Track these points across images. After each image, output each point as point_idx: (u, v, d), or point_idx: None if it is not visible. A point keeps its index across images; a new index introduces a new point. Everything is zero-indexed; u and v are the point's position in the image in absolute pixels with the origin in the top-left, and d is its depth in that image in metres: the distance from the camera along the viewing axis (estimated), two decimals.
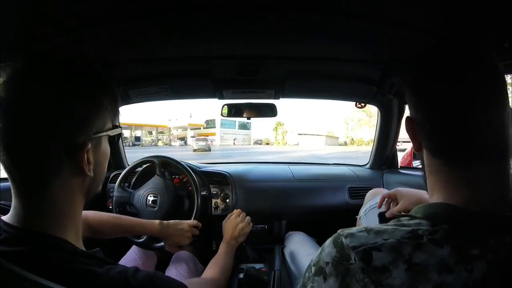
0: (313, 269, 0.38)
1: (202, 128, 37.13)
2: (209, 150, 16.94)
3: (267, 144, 39.24)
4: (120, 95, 1.15)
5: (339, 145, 36.69)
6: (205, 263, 1.09)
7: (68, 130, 0.37)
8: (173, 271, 0.94)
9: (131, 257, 1.01)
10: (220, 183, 1.31)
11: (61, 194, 0.38)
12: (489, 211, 0.33)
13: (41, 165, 0.36)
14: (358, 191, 1.34)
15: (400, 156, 1.51)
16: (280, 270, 0.97)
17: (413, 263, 0.31)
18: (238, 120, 37.96)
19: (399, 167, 1.48)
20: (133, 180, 1.23)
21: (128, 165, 1.17)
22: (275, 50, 0.88)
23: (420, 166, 0.44)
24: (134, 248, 1.05)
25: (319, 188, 1.37)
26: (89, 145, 0.38)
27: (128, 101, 1.21)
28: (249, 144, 37.33)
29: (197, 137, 20.61)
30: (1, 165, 0.37)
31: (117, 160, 1.42)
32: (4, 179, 0.98)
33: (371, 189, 1.05)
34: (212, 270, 0.78)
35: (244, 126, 40.24)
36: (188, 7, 0.60)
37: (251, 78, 1.06)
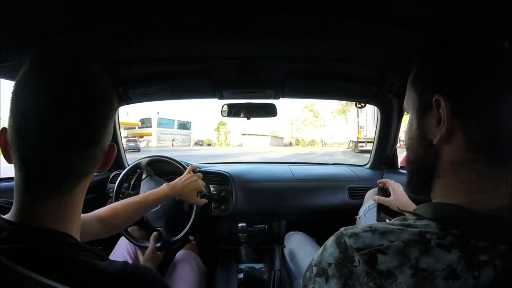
0: (314, 269, 0.37)
1: (137, 127, 33.60)
2: (139, 150, 17.63)
3: (209, 145, 37.25)
4: (120, 95, 1.15)
5: (284, 145, 35.04)
6: (207, 263, 1.10)
7: (106, 134, 0.40)
8: (176, 271, 0.94)
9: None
10: (220, 183, 1.30)
11: (81, 191, 0.40)
12: (502, 217, 0.32)
13: (79, 168, 0.38)
14: (358, 191, 1.34)
15: (400, 156, 1.51)
16: (280, 270, 0.97)
17: (420, 268, 0.30)
18: (177, 119, 35.32)
19: (399, 167, 1.49)
20: (133, 180, 1.22)
21: (128, 165, 1.17)
22: (275, 50, 0.88)
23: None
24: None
25: (319, 188, 1.36)
26: (114, 144, 0.43)
27: (128, 101, 1.21)
28: (189, 145, 34.71)
29: (127, 138, 20.88)
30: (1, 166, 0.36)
31: (117, 160, 1.42)
32: (4, 179, 0.98)
33: (371, 189, 1.05)
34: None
35: (183, 126, 37.57)
36: (188, 7, 0.60)
37: (251, 78, 1.06)
